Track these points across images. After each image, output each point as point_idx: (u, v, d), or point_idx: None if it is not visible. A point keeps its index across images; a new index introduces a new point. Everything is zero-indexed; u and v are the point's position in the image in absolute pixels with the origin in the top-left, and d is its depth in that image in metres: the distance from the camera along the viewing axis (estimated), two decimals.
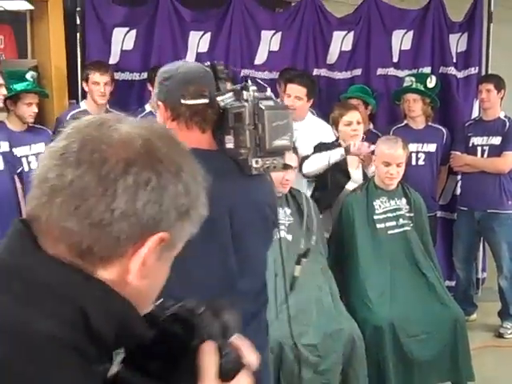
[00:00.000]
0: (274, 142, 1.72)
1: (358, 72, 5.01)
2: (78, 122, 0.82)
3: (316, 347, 3.09)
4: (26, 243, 0.78)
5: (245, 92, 1.76)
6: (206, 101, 1.76)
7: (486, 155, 4.54)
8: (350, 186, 3.75)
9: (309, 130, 4.07)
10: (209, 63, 1.83)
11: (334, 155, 3.75)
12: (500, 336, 4.57)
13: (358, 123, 3.85)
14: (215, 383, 0.85)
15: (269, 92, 1.87)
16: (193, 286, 1.72)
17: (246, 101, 1.74)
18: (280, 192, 3.40)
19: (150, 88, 4.57)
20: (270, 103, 1.76)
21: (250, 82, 1.83)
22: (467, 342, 3.41)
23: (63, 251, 0.77)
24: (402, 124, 4.69)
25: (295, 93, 4.08)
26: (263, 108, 1.71)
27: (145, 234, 0.78)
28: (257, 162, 1.75)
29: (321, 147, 3.85)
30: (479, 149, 4.57)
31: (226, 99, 1.79)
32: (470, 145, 4.61)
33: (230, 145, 1.78)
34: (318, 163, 3.77)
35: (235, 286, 1.80)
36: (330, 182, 3.73)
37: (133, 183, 0.76)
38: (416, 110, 4.57)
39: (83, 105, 4.35)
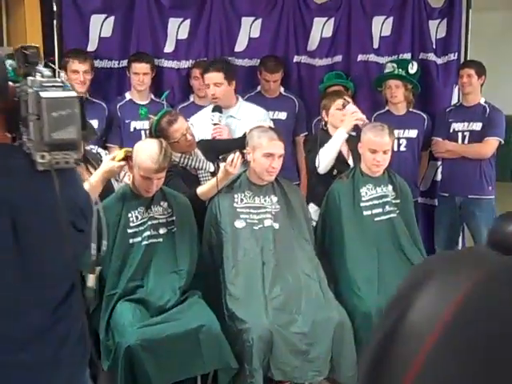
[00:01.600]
0: (54, 134, 1.52)
1: (338, 59, 4.97)
2: None
3: (305, 335, 3.09)
4: None
5: (29, 78, 1.56)
6: None
7: (466, 141, 4.56)
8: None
9: (243, 115, 4.04)
10: (20, 46, 1.60)
11: (337, 140, 3.75)
12: None
13: None
14: None
15: (62, 77, 1.68)
16: None
17: (31, 87, 1.55)
18: (266, 180, 3.39)
19: (128, 75, 4.52)
20: (53, 91, 1.55)
21: (41, 67, 1.64)
22: None
23: None
24: (384, 110, 4.68)
25: (213, 80, 4.01)
26: (42, 96, 1.52)
27: None
28: (43, 157, 1.55)
29: (310, 141, 3.90)
30: (460, 134, 4.59)
31: (21, 86, 1.59)
32: (451, 131, 4.62)
33: (24, 137, 1.58)
34: (328, 156, 3.76)
35: (17, 296, 1.63)
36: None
37: None
38: (398, 96, 4.57)
39: None
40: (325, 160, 3.74)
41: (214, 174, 3.57)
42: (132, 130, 4.46)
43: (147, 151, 3.04)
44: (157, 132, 3.45)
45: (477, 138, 4.51)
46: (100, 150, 3.41)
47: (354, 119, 3.71)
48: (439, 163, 4.91)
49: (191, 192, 3.41)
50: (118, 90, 4.67)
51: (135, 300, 3.03)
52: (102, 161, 3.33)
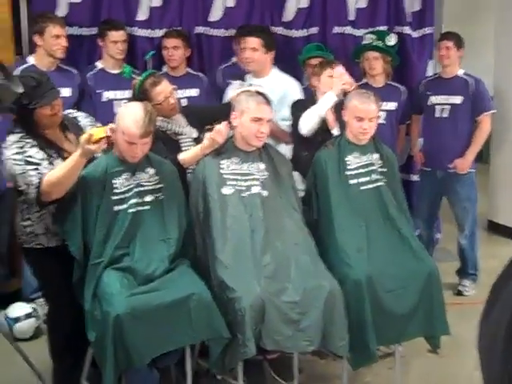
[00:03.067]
0: None
1: (314, 30, 4.90)
2: None
3: (297, 304, 3.01)
4: None
5: None
6: None
7: (446, 114, 4.53)
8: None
9: (274, 85, 3.96)
10: None
11: (325, 102, 3.67)
12: (459, 294, 4.64)
13: None
14: None
15: None
16: None
17: None
18: (254, 145, 3.29)
19: (101, 43, 4.35)
20: None
21: None
22: (441, 295, 3.40)
23: None
24: (362, 82, 4.62)
25: (250, 45, 4.03)
26: None
27: None
28: None
29: (297, 105, 3.80)
30: (438, 108, 4.56)
31: None
32: (429, 103, 4.59)
33: None
34: (312, 117, 3.67)
35: None
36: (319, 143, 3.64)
37: None
38: (377, 68, 4.53)
39: (31, 60, 4.09)
40: (309, 121, 3.66)
41: (196, 140, 3.45)
42: (104, 100, 4.30)
43: (132, 116, 2.89)
44: (140, 93, 3.31)
45: (457, 111, 4.47)
46: (77, 114, 3.22)
47: (342, 83, 3.67)
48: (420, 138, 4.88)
49: (172, 158, 3.29)
50: (88, 58, 4.49)
51: (122, 269, 2.89)
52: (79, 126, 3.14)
